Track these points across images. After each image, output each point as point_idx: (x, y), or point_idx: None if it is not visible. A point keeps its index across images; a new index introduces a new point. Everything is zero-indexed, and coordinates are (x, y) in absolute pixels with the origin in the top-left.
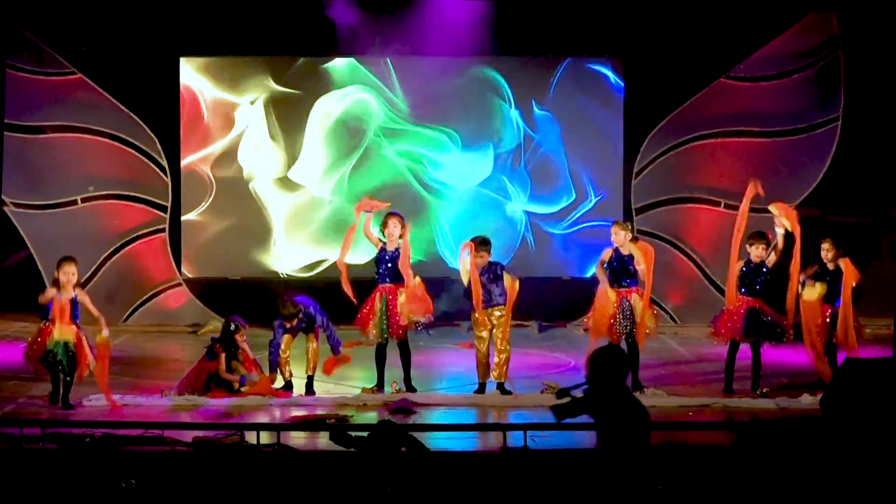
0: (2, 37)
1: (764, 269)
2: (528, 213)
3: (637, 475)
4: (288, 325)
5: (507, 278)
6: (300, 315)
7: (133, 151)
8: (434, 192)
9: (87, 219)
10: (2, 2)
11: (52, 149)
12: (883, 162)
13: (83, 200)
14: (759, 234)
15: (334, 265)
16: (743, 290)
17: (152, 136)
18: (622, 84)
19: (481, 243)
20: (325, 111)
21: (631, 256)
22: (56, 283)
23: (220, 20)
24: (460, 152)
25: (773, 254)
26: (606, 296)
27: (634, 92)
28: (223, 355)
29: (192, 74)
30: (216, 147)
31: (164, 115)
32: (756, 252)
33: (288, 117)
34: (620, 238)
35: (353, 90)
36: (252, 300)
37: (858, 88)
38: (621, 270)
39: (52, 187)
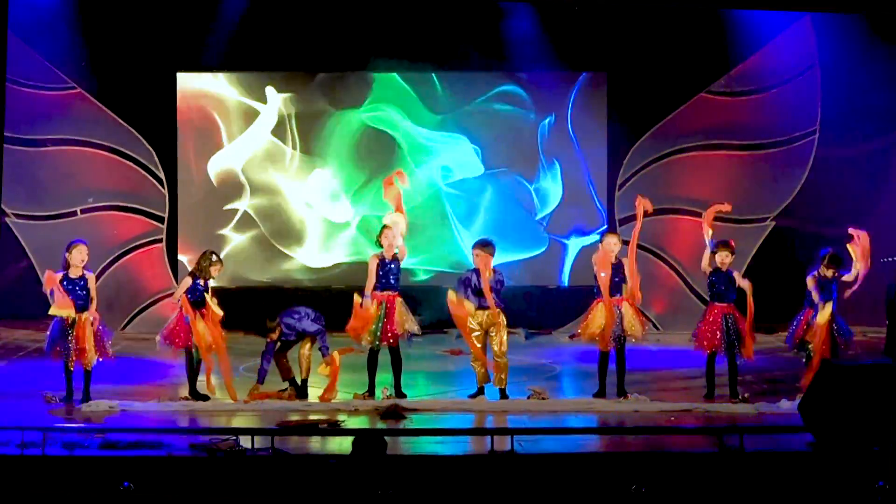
0: (2, 50)
1: (732, 276)
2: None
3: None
4: (270, 340)
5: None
6: (281, 328)
7: (131, 164)
8: (456, 204)
9: (87, 229)
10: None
11: (52, 161)
12: (858, 173)
13: (83, 211)
14: (724, 243)
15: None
16: (714, 298)
17: (150, 148)
18: (606, 98)
19: (483, 245)
20: (348, 126)
21: (621, 265)
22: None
23: (217, 36)
24: (479, 165)
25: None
26: (597, 305)
27: (618, 105)
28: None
29: (221, 83)
30: (229, 156)
31: (162, 128)
32: (721, 259)
33: (310, 131)
34: (616, 248)
35: (377, 105)
36: (248, 308)
37: (835, 102)
38: (617, 281)
39: (53, 198)
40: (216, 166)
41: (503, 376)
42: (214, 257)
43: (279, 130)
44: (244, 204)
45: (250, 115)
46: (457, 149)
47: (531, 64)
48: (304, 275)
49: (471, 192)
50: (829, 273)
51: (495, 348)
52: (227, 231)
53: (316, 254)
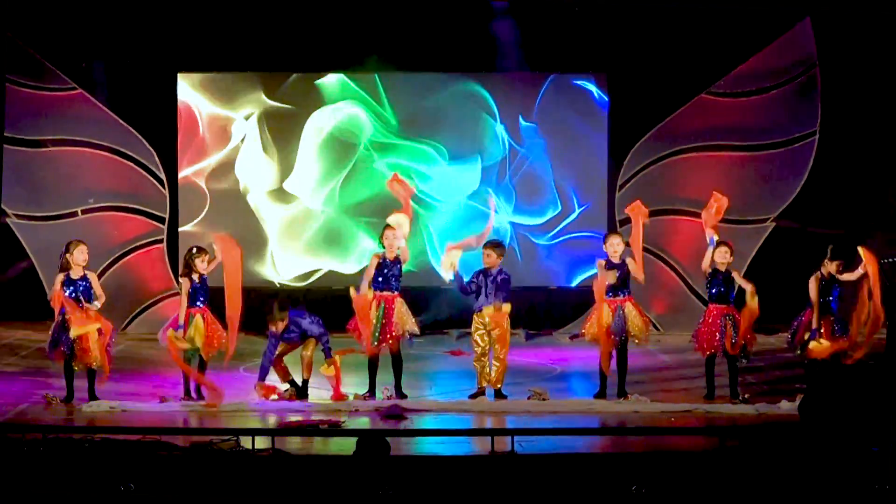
0: (1, 51)
1: (730, 277)
2: (514, 225)
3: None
4: (272, 330)
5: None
6: (288, 324)
7: (132, 164)
8: (423, 205)
9: (88, 230)
10: (2, 18)
11: (53, 162)
12: (859, 175)
13: (83, 212)
14: (721, 242)
15: (328, 274)
16: (713, 299)
17: (150, 149)
18: (606, 99)
19: (495, 245)
20: (317, 125)
21: (624, 264)
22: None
23: (216, 37)
24: (448, 165)
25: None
26: (604, 306)
27: (618, 107)
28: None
29: (189, 90)
30: (212, 160)
31: (162, 129)
32: (719, 259)
33: (281, 131)
34: (614, 249)
35: (344, 105)
36: (247, 309)
37: (835, 104)
38: (620, 282)
39: (54, 199)
40: (205, 168)
41: (500, 377)
42: (195, 249)
43: (262, 130)
44: (243, 204)
45: (248, 116)
46: (421, 147)
47: (530, 64)
48: (305, 275)
49: (436, 194)
50: (833, 268)
51: (496, 348)
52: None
53: (319, 256)
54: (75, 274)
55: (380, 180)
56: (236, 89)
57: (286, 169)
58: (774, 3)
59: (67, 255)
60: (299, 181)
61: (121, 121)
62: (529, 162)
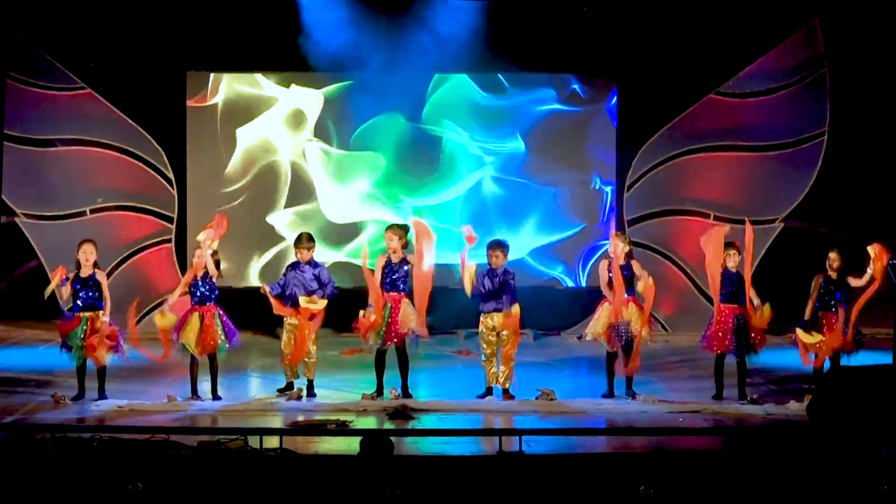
0: (2, 48)
1: (741, 277)
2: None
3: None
4: (297, 259)
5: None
6: (310, 260)
7: (140, 164)
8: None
9: (96, 229)
10: (4, 15)
11: (61, 161)
12: (868, 175)
13: (92, 211)
14: (729, 243)
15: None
16: (724, 299)
17: (159, 148)
18: (615, 99)
19: (501, 245)
20: (332, 123)
21: (628, 266)
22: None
23: (226, 36)
24: (460, 167)
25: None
26: (603, 305)
27: (627, 107)
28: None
29: (225, 83)
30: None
31: (171, 128)
32: (729, 261)
33: (299, 131)
34: (619, 249)
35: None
36: (253, 309)
37: (844, 104)
38: (623, 281)
39: (62, 199)
40: (223, 164)
41: (509, 378)
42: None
43: (289, 127)
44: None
45: (259, 114)
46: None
47: (539, 66)
48: None
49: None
50: (836, 266)
51: (505, 349)
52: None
53: (324, 253)
54: (84, 272)
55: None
56: (276, 84)
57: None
58: (783, 4)
59: (77, 255)
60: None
61: (130, 120)
62: (536, 162)
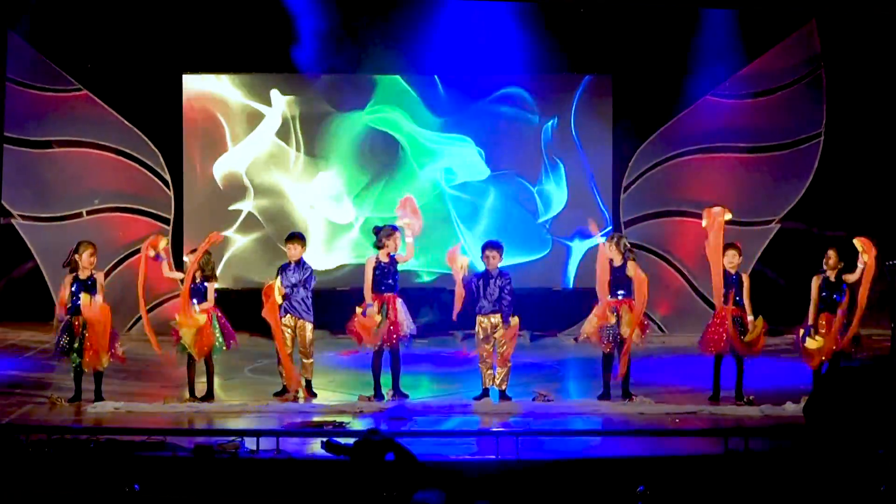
0: (1, 51)
1: (740, 278)
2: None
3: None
4: (289, 254)
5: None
6: (301, 264)
7: (137, 165)
8: (459, 205)
9: (93, 231)
10: (3, 18)
11: (58, 163)
12: (864, 176)
13: (88, 213)
14: (730, 245)
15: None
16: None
17: (156, 150)
18: (611, 100)
19: (495, 247)
20: (352, 128)
21: (624, 268)
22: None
23: (222, 38)
24: (484, 168)
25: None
26: (602, 307)
27: (623, 108)
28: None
29: (220, 85)
30: (233, 158)
31: (168, 130)
32: (728, 260)
33: (314, 133)
34: (613, 251)
35: (381, 107)
36: (251, 310)
37: (840, 105)
38: (614, 282)
39: (59, 200)
40: (221, 168)
41: (505, 379)
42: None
43: (283, 132)
44: (248, 205)
45: (255, 117)
46: (460, 151)
47: (535, 66)
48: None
49: (474, 194)
50: (832, 264)
51: (501, 351)
52: (231, 233)
53: (320, 256)
54: (83, 275)
55: (418, 183)
56: (269, 88)
57: (317, 170)
58: (780, 4)
59: (76, 256)
60: (330, 184)
61: (126, 122)
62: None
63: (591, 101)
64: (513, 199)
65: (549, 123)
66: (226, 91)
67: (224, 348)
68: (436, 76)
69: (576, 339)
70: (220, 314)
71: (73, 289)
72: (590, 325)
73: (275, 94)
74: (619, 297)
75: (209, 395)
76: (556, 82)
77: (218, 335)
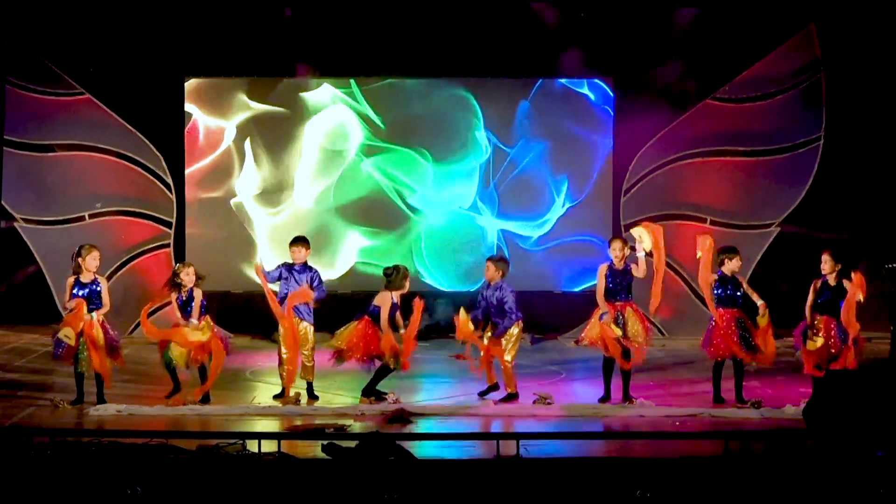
0: (1, 54)
1: (738, 281)
2: (506, 230)
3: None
4: (294, 256)
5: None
6: (306, 268)
7: (139, 169)
8: (411, 209)
9: (95, 234)
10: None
11: (60, 166)
12: (863, 180)
13: (91, 216)
14: (730, 248)
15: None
16: (722, 303)
17: (157, 153)
18: (612, 103)
19: (496, 259)
20: (308, 130)
21: (628, 270)
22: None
23: (223, 42)
24: (434, 170)
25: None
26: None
27: (624, 111)
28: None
29: (222, 88)
30: (204, 165)
31: (169, 133)
32: (730, 266)
33: (272, 137)
34: (618, 253)
35: (334, 110)
36: (252, 312)
37: (840, 109)
38: (617, 286)
39: (61, 203)
40: (223, 171)
41: (509, 382)
42: (178, 265)
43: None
44: (249, 206)
45: (256, 119)
46: (409, 153)
47: (536, 69)
48: None
49: (426, 198)
50: (826, 269)
51: (506, 357)
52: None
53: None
54: (86, 278)
55: (370, 184)
56: (225, 95)
57: (276, 174)
58: (779, 7)
59: (79, 260)
60: (289, 186)
61: (128, 125)
62: (528, 167)
63: (593, 105)
64: (515, 203)
65: (552, 126)
66: (228, 93)
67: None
68: (434, 79)
69: (576, 343)
70: (212, 324)
71: (73, 291)
72: (592, 330)
73: (242, 97)
74: (622, 300)
75: (204, 397)
76: (556, 86)
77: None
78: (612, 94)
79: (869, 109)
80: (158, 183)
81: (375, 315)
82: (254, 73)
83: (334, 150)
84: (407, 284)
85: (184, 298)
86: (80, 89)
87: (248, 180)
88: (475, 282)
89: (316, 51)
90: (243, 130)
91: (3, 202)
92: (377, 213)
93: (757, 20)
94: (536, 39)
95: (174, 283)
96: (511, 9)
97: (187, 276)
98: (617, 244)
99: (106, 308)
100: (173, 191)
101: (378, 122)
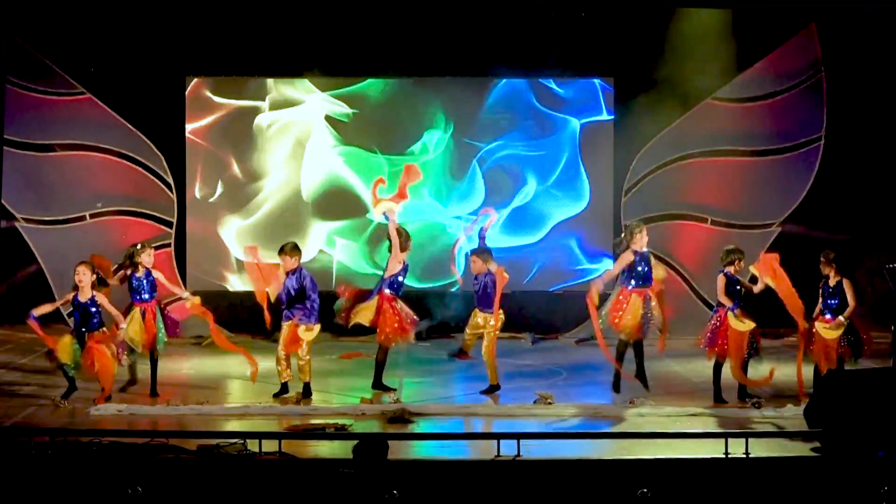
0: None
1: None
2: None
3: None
4: (281, 268)
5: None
6: (297, 269)
7: (140, 168)
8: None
9: (96, 234)
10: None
11: (61, 166)
12: (864, 180)
13: (91, 216)
14: (737, 250)
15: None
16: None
17: (158, 153)
18: (613, 103)
19: (479, 252)
20: (273, 127)
21: (646, 255)
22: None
23: (226, 41)
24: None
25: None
26: (630, 297)
27: (624, 111)
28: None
29: (223, 87)
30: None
31: (170, 132)
32: (737, 267)
33: (239, 135)
34: (643, 240)
35: (301, 108)
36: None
37: (841, 109)
38: (645, 271)
39: (62, 203)
40: (224, 171)
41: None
42: (139, 245)
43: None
44: (249, 206)
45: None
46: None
47: (536, 70)
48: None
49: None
50: (824, 271)
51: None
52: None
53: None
54: (82, 296)
55: (338, 182)
56: (269, 89)
57: (243, 173)
58: (780, 7)
59: (136, 259)
60: (257, 183)
61: (129, 125)
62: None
63: (592, 104)
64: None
65: (554, 125)
66: (229, 92)
67: (166, 338)
68: (440, 78)
69: (577, 342)
70: (161, 307)
71: (74, 315)
72: (628, 316)
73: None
74: (648, 286)
75: (152, 390)
76: (558, 85)
77: (161, 328)
78: (613, 93)
79: (870, 109)
80: (159, 182)
81: (396, 287)
82: (255, 72)
83: (299, 148)
84: (409, 244)
85: (142, 279)
86: (80, 89)
87: (212, 181)
88: (443, 278)
89: (286, 50)
90: (209, 130)
91: (3, 202)
92: (342, 208)
93: (758, 20)
94: (536, 39)
95: (132, 262)
96: (511, 9)
97: (147, 258)
98: (642, 230)
99: (119, 319)
100: (174, 190)
101: (345, 120)
